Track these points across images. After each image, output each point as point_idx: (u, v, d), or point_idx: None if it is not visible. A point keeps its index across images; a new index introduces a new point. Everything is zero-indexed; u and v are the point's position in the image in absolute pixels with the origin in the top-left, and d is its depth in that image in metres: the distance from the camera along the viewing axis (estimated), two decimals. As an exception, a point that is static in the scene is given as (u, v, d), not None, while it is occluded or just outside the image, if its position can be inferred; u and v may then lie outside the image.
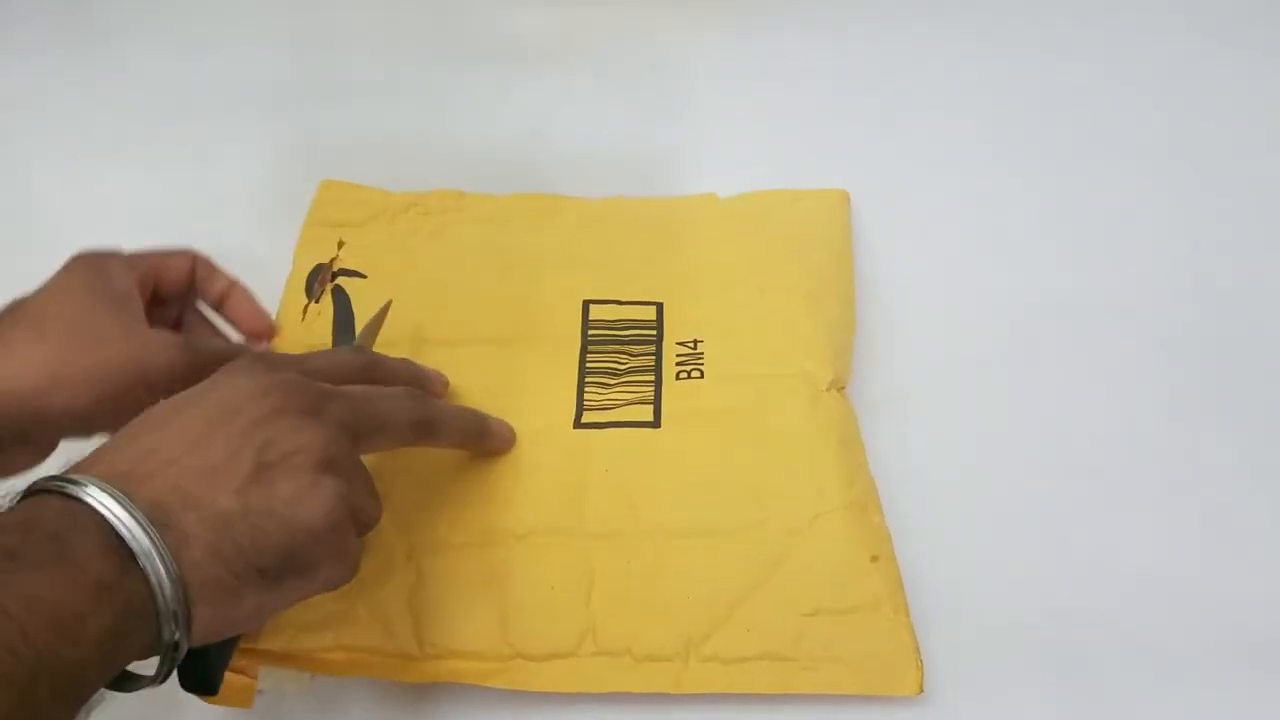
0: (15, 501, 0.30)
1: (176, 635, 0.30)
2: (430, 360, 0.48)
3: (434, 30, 0.67)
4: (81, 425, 0.40)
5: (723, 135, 0.62)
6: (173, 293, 0.47)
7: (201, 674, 0.36)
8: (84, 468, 0.31)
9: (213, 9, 0.68)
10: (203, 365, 0.42)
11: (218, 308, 0.49)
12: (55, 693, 0.27)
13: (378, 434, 0.38)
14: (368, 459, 0.37)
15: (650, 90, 0.64)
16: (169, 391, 0.40)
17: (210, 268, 0.48)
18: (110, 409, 0.40)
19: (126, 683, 0.31)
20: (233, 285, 0.48)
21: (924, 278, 0.54)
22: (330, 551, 0.34)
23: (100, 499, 0.29)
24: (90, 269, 0.42)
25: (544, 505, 0.44)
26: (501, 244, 0.54)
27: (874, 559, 0.42)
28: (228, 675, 0.38)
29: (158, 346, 0.41)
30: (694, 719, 0.40)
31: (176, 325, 0.48)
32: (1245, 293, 0.54)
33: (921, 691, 0.40)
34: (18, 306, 0.41)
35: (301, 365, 0.38)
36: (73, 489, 0.29)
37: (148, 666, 0.31)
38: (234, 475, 0.32)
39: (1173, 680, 0.42)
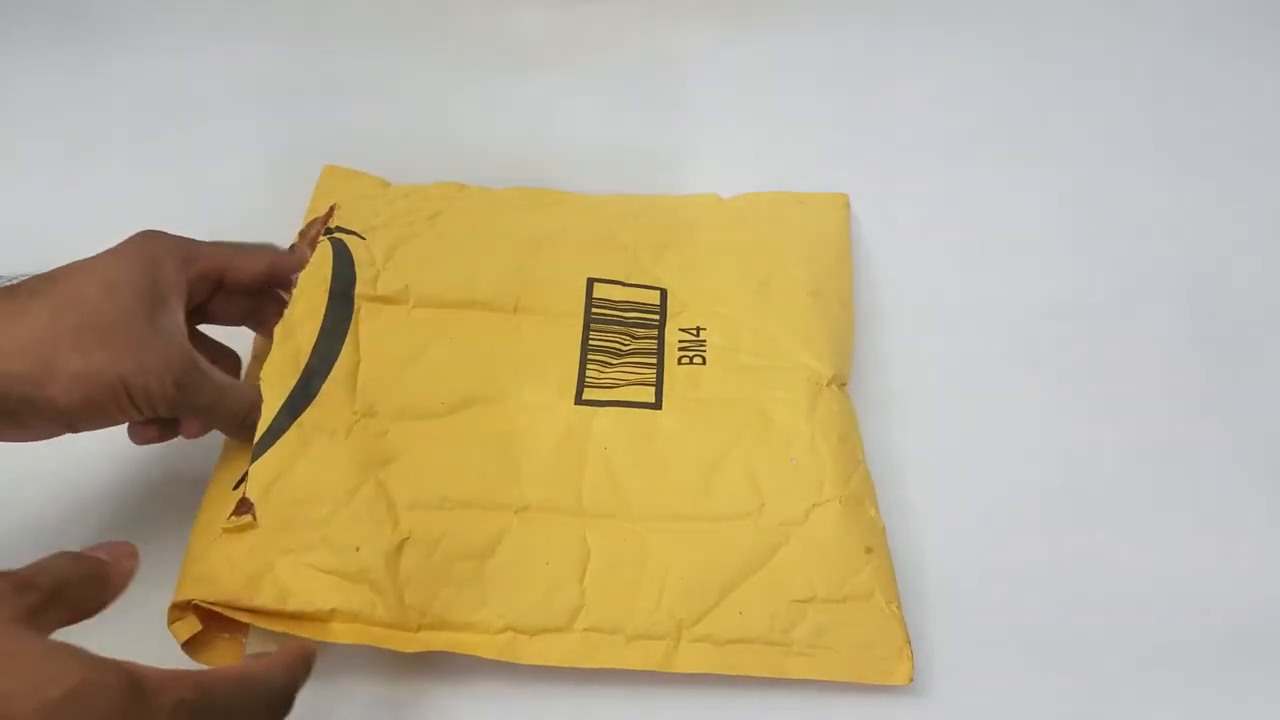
0: None
1: None
2: (421, 322, 0.47)
3: (434, 29, 0.67)
4: (65, 422, 0.39)
5: (723, 135, 0.62)
6: (242, 288, 0.45)
7: None
8: None
9: (212, 6, 0.68)
10: (190, 406, 0.41)
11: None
12: None
13: None
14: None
15: (650, 90, 0.64)
16: (149, 411, 0.40)
17: (295, 265, 0.47)
18: (94, 413, 0.39)
19: None
20: None
21: (923, 278, 0.55)
22: None
23: None
24: (141, 258, 0.40)
25: (542, 481, 0.44)
26: (504, 224, 0.53)
27: (868, 550, 0.43)
28: (217, 636, 0.38)
29: (152, 369, 0.39)
30: (684, 702, 0.41)
31: (250, 315, 0.47)
32: (1244, 294, 0.54)
33: (911, 681, 0.40)
34: (54, 274, 0.39)
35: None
36: None
37: None
38: None
39: (1165, 671, 0.42)
